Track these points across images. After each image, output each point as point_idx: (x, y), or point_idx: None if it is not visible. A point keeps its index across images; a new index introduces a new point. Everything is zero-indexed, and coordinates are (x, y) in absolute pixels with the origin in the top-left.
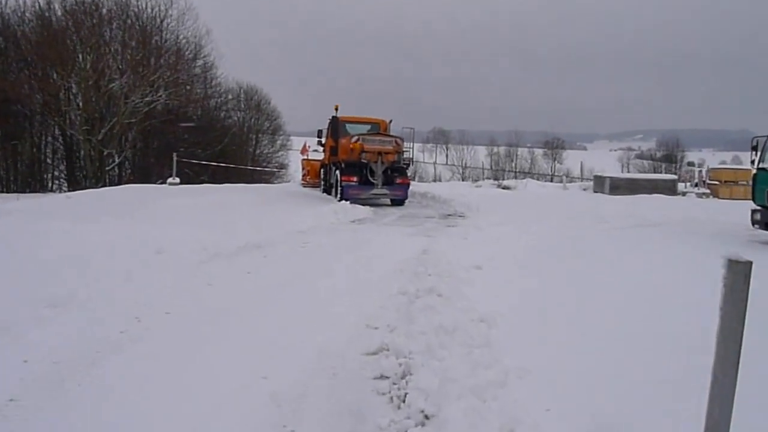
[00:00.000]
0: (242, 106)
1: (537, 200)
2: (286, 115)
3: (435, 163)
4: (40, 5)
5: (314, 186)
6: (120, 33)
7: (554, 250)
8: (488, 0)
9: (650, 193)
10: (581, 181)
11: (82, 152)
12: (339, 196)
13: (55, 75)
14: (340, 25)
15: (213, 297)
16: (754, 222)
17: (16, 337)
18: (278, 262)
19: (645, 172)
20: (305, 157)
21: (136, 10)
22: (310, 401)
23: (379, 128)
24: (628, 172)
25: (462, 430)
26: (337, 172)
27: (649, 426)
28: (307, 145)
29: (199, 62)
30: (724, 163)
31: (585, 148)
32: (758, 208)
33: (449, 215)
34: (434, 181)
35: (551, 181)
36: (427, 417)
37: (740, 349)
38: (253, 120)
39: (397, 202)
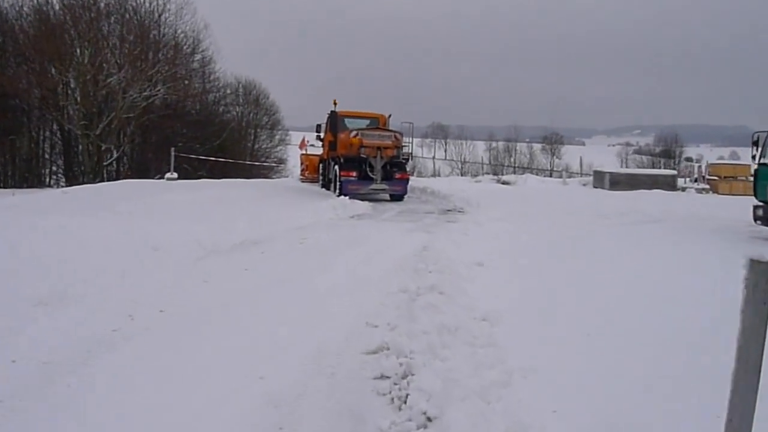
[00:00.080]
0: (241, 100)
1: (537, 196)
2: (284, 110)
3: (434, 158)
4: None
5: (313, 181)
6: (118, 27)
7: (556, 247)
8: None
9: (650, 188)
10: (580, 176)
11: (80, 147)
12: (338, 191)
13: (53, 70)
14: (339, 20)
15: (209, 294)
16: (756, 218)
17: (4, 336)
18: (276, 259)
19: (643, 167)
20: (304, 152)
21: (134, 4)
22: (308, 402)
23: (378, 123)
24: (627, 167)
25: None
26: (336, 167)
27: (657, 426)
28: (306, 139)
29: (198, 57)
30: (721, 158)
31: (583, 144)
32: (760, 204)
33: (449, 211)
34: (433, 176)
35: (550, 176)
36: (429, 419)
37: (762, 352)
38: (251, 115)
39: (397, 198)
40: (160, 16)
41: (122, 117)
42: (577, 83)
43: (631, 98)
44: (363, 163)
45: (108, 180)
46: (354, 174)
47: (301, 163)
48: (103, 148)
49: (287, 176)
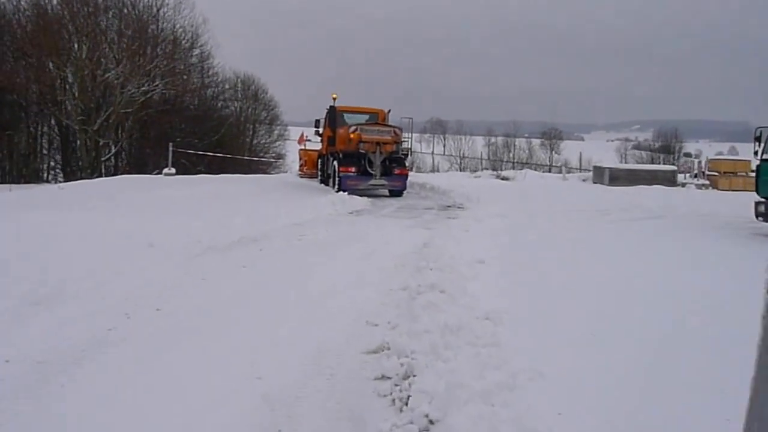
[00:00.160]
0: (239, 95)
1: (537, 191)
2: (283, 105)
3: (433, 153)
4: None
5: (311, 176)
6: (116, 22)
7: (557, 244)
8: None
9: (650, 184)
10: (580, 171)
11: (78, 143)
12: (336, 186)
13: (50, 65)
14: (337, 14)
15: (206, 293)
16: (758, 214)
17: None
18: (274, 256)
19: (643, 162)
20: (302, 147)
21: None
22: (307, 403)
23: (377, 118)
24: (626, 162)
25: None
26: (335, 162)
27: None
28: (305, 135)
29: (196, 51)
30: (720, 154)
31: (582, 139)
32: (762, 200)
33: (449, 206)
34: (432, 171)
35: (549, 171)
36: (431, 422)
37: None
38: (250, 110)
39: (396, 193)
40: (158, 10)
41: (120, 112)
42: (575, 78)
43: (630, 94)
44: (362, 159)
45: (106, 175)
46: (353, 169)
47: (300, 159)
48: (101, 143)
49: (286, 171)
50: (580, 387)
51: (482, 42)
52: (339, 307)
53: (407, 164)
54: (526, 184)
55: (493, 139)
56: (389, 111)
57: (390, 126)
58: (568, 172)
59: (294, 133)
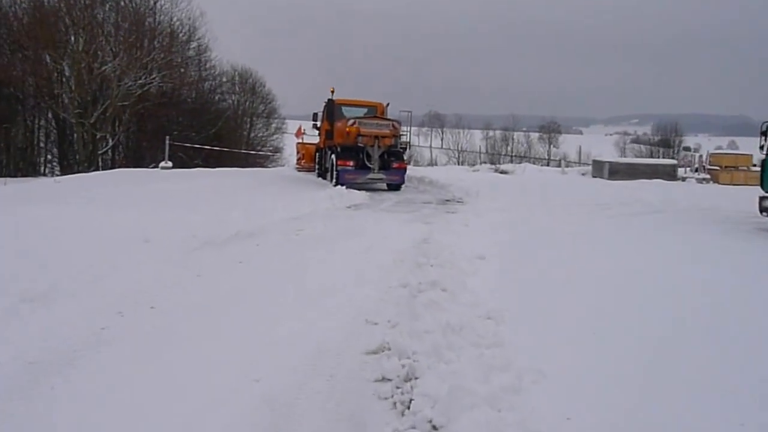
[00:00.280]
0: (237, 89)
1: (536, 185)
2: (281, 98)
3: (431, 147)
4: None
5: (309, 170)
6: (113, 14)
7: (558, 239)
8: None
9: (650, 178)
10: (579, 165)
11: (75, 136)
12: (334, 180)
13: (47, 57)
14: (335, 8)
15: (202, 289)
16: (762, 210)
17: None
18: (272, 251)
19: (642, 156)
20: (300, 141)
21: None
22: (305, 405)
23: (375, 111)
24: (624, 156)
25: None
26: (333, 156)
27: None
28: (302, 128)
29: (193, 44)
30: (720, 148)
31: (581, 133)
32: (766, 195)
33: (447, 201)
34: (430, 165)
35: (548, 165)
36: (435, 428)
37: None
38: (247, 103)
39: (394, 187)
40: (155, 3)
41: (117, 105)
42: (574, 72)
43: (628, 87)
44: (360, 152)
45: (103, 169)
46: (351, 163)
47: (298, 152)
48: (98, 136)
49: (283, 165)
50: (586, 389)
51: (481, 36)
52: (337, 304)
53: (405, 158)
54: (526, 178)
55: (491, 133)
56: (388, 104)
57: (389, 119)
58: (567, 166)
59: (292, 126)
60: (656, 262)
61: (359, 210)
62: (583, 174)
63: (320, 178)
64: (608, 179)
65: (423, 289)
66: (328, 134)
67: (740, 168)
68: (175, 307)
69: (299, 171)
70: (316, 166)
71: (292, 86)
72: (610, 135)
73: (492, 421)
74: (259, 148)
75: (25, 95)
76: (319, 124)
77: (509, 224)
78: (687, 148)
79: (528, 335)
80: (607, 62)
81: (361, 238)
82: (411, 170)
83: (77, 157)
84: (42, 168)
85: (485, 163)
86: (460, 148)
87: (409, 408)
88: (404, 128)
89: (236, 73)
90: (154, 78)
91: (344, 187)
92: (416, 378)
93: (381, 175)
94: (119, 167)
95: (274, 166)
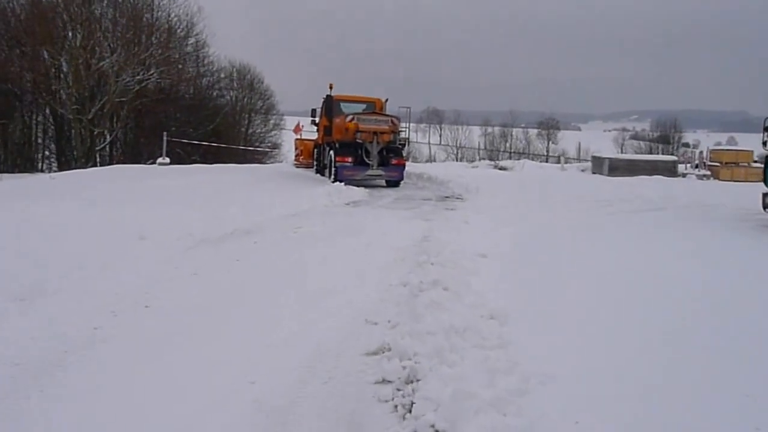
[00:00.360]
0: (235, 85)
1: (536, 182)
2: (279, 94)
3: (429, 143)
4: None
5: (307, 166)
6: (110, 10)
7: (560, 237)
8: None
9: (650, 174)
10: (579, 162)
11: (73, 132)
12: (333, 177)
13: (45, 53)
14: (334, 3)
15: (198, 288)
16: (765, 206)
17: None
18: (269, 249)
19: (641, 152)
20: (298, 137)
21: None
22: (302, 409)
23: (374, 107)
24: (624, 153)
25: None
26: (331, 152)
27: None
28: (301, 124)
29: (191, 40)
30: (719, 144)
31: (579, 129)
32: None
33: (447, 197)
34: (429, 161)
35: (546, 161)
36: None
37: None
38: (246, 99)
39: (393, 184)
40: None
41: (115, 101)
42: (572, 68)
43: (627, 83)
44: (359, 149)
45: (101, 165)
46: (349, 159)
47: (296, 148)
48: (95, 132)
49: (281, 161)
50: (590, 389)
51: (480, 32)
52: (336, 304)
53: (404, 154)
54: (525, 175)
55: (489, 129)
56: (387, 100)
57: (388, 115)
58: (567, 163)
59: (290, 122)
60: (660, 261)
61: (358, 207)
62: (582, 170)
63: (318, 175)
64: (608, 176)
65: (424, 288)
66: (326, 130)
67: (741, 164)
68: (168, 307)
69: (297, 167)
70: (315, 163)
71: (290, 82)
72: (609, 131)
73: (498, 427)
74: (257, 144)
75: (22, 91)
76: (317, 120)
77: (510, 221)
78: (686, 145)
79: (532, 336)
80: (605, 58)
81: (360, 235)
82: (410, 166)
83: (75, 153)
84: (39, 164)
85: (484, 159)
86: (458, 145)
87: (410, 412)
88: (403, 124)
89: (234, 69)
90: (152, 74)
91: (343, 183)
92: (418, 380)
93: (380, 172)
94: (117, 163)
95: (272, 163)
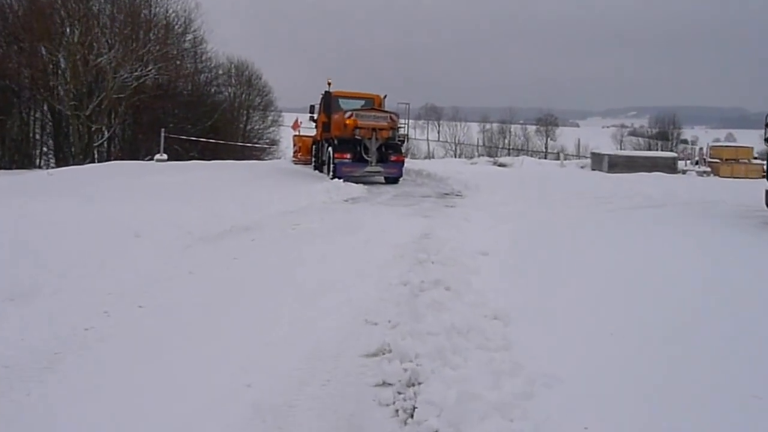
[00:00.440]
0: (233, 81)
1: (535, 178)
2: (277, 91)
3: (428, 139)
4: None
5: (306, 163)
6: (108, 6)
7: (561, 234)
8: None
9: (649, 171)
10: (578, 158)
11: (71, 128)
12: (331, 173)
13: (42, 49)
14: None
15: (194, 288)
16: None
17: None
18: (267, 247)
19: (640, 149)
20: (297, 133)
21: None
22: (301, 412)
23: (373, 104)
24: (622, 149)
25: None
26: (330, 148)
27: None
28: (299, 120)
29: (189, 36)
30: (717, 140)
31: (578, 125)
32: None
33: (446, 194)
34: (427, 158)
35: (545, 157)
36: None
37: None
38: (244, 95)
39: (392, 180)
40: None
41: (113, 97)
42: (571, 64)
43: (625, 80)
44: (357, 145)
45: (99, 161)
46: (348, 156)
47: (294, 145)
48: (93, 128)
49: (280, 158)
50: (597, 392)
51: (478, 28)
52: (335, 303)
53: (403, 151)
54: (524, 171)
55: (488, 126)
56: (385, 96)
57: (386, 112)
58: (566, 159)
59: (288, 118)
60: (660, 257)
61: (357, 203)
62: (581, 167)
63: (317, 171)
64: (607, 172)
65: (425, 287)
66: (325, 127)
67: (741, 161)
68: (164, 307)
69: (296, 164)
70: (313, 159)
71: (288, 79)
72: (608, 127)
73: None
74: (255, 140)
75: (20, 87)
76: (316, 116)
77: (510, 218)
78: (685, 141)
79: (537, 336)
80: (603, 54)
81: (359, 232)
82: (409, 163)
83: (73, 149)
84: (37, 160)
85: (483, 156)
86: (457, 141)
87: (412, 417)
88: (402, 121)
89: (232, 65)
90: (149, 70)
91: (341, 180)
92: (420, 383)
93: (378, 168)
94: (115, 159)
95: (270, 159)
